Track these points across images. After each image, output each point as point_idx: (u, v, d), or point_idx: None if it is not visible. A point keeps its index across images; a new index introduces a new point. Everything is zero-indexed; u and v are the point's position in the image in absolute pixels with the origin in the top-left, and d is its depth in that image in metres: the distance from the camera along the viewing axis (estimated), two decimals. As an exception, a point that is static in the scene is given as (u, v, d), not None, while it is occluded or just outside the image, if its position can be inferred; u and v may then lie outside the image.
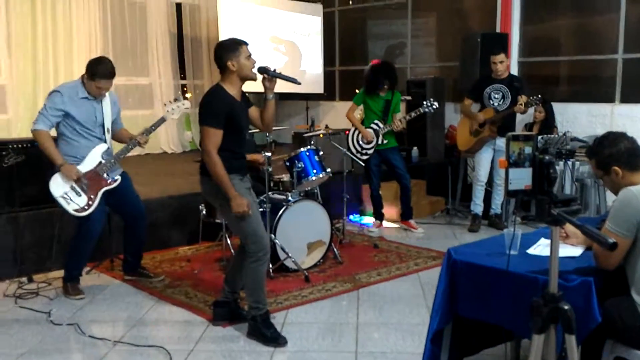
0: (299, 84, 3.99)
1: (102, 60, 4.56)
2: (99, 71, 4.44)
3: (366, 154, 6.40)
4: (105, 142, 4.59)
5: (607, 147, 2.75)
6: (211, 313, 4.15)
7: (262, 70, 3.83)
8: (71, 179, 4.39)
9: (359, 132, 6.40)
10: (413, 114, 6.32)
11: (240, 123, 3.78)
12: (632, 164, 2.71)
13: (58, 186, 4.40)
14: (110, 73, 4.49)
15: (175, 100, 4.85)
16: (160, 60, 9.34)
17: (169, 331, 4.05)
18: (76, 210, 4.43)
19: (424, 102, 6.31)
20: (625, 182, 2.71)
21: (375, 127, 6.33)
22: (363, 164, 6.41)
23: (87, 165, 4.49)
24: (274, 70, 3.86)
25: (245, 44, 3.78)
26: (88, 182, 4.45)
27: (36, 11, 8.06)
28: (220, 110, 3.67)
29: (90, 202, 4.46)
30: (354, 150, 6.43)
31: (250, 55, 3.77)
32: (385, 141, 6.35)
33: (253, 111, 3.97)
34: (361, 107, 6.58)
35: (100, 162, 4.53)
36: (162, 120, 4.73)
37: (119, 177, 4.63)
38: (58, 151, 4.41)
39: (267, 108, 3.95)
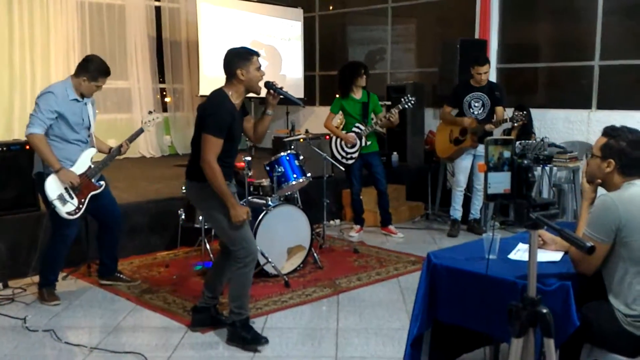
0: (303, 106, 3.99)
1: (96, 59, 4.53)
2: (100, 70, 4.45)
3: (351, 157, 6.39)
4: (93, 146, 4.59)
5: (627, 143, 2.68)
6: (190, 319, 4.12)
7: (268, 85, 3.83)
8: (68, 184, 4.36)
9: (342, 138, 6.39)
10: (394, 111, 6.26)
11: (235, 134, 3.77)
12: (629, 171, 2.70)
13: (54, 188, 4.35)
14: (107, 69, 4.52)
15: (150, 113, 4.94)
16: (139, 64, 9.25)
17: (147, 337, 4.00)
18: (68, 213, 4.40)
19: (402, 99, 6.30)
20: (607, 177, 2.74)
21: (357, 130, 6.33)
22: (343, 169, 6.40)
23: (79, 169, 4.47)
24: (281, 88, 3.87)
25: (257, 54, 3.76)
26: (79, 186, 4.43)
27: (13, 15, 7.93)
28: (225, 122, 3.63)
29: (81, 206, 4.45)
30: (338, 157, 6.41)
31: (260, 67, 3.75)
32: (368, 142, 6.34)
33: (246, 121, 3.96)
34: (340, 113, 6.57)
35: (90, 167, 4.53)
36: (141, 131, 4.83)
37: (103, 182, 4.64)
38: (55, 155, 4.34)
39: (264, 122, 3.96)
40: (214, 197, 3.69)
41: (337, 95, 6.50)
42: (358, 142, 6.31)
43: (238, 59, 3.69)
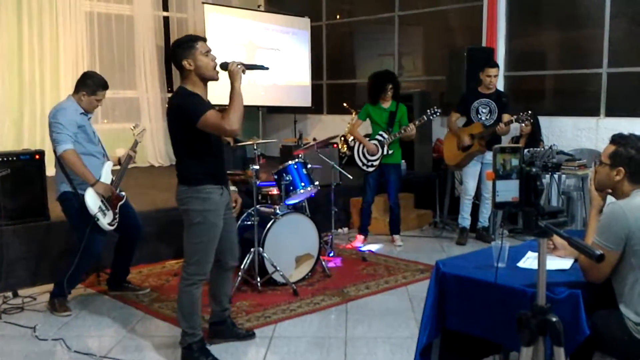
0: (267, 68, 3.72)
1: (93, 74, 4.63)
2: (99, 83, 4.51)
3: (372, 165, 6.40)
4: (108, 159, 4.66)
5: (636, 151, 2.68)
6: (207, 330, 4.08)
7: (224, 66, 3.49)
8: (106, 195, 4.43)
9: (364, 145, 6.41)
10: (417, 122, 6.25)
11: None
12: (638, 179, 2.69)
13: (94, 202, 4.39)
14: (105, 83, 4.57)
15: (136, 126, 4.96)
16: (148, 73, 9.30)
17: (156, 346, 4.01)
18: (109, 224, 4.46)
19: (428, 110, 6.31)
20: (617, 185, 2.73)
21: (380, 138, 6.34)
22: (363, 173, 6.39)
23: (106, 181, 4.53)
24: (240, 63, 3.51)
25: (203, 39, 3.52)
26: (110, 197, 4.51)
27: (22, 26, 8.00)
28: (201, 103, 3.41)
29: (116, 217, 4.53)
30: (359, 163, 6.45)
31: (209, 51, 3.48)
32: (390, 151, 6.34)
33: None
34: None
35: (113, 179, 4.58)
36: (136, 142, 4.86)
37: (123, 192, 4.71)
38: (88, 169, 4.37)
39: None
40: (193, 203, 3.50)
41: (366, 104, 6.50)
42: (380, 150, 6.32)
43: (181, 50, 3.44)
